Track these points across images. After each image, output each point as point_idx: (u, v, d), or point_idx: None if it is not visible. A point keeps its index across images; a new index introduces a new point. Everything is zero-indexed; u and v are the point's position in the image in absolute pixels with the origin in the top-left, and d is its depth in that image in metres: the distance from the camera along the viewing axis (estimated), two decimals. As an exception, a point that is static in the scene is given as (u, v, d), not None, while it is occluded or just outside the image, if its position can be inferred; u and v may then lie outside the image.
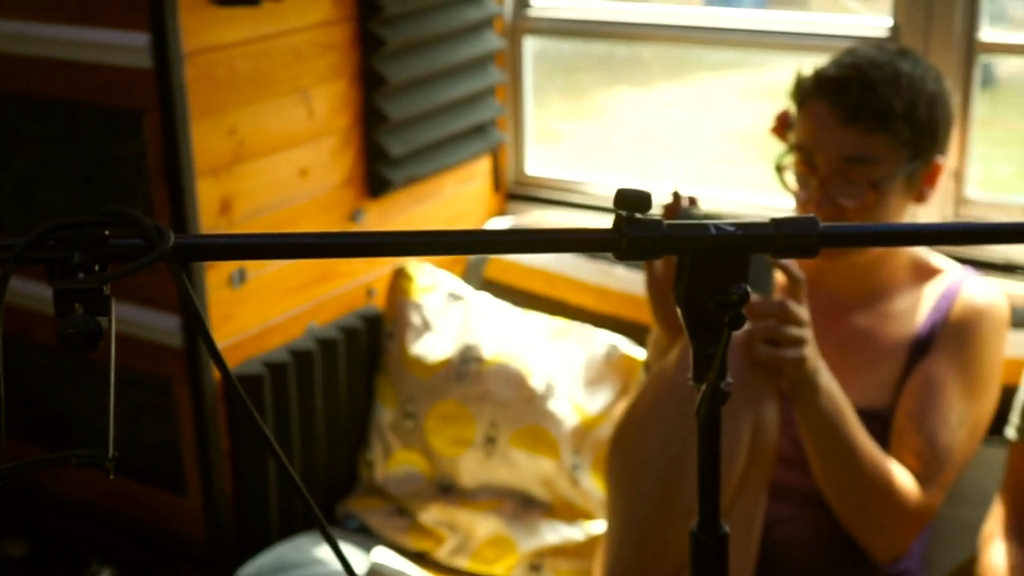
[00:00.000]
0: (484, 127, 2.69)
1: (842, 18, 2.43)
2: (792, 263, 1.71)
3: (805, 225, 1.00)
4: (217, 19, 2.06)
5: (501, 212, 2.82)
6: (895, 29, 2.30)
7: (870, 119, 1.82)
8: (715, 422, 1.01)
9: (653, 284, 1.83)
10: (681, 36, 2.64)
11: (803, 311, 1.72)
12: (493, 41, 2.65)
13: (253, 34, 2.12)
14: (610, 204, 2.67)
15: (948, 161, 2.24)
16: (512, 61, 2.75)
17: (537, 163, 2.86)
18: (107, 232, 0.91)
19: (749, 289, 0.98)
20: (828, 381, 1.77)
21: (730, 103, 6.95)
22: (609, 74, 7.10)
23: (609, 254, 0.97)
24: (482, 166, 2.76)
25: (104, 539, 2.42)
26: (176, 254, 0.92)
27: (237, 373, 2.22)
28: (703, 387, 1.00)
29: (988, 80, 6.36)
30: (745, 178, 5.04)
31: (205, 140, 2.09)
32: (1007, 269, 2.29)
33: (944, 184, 2.28)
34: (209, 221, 2.12)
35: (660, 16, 2.63)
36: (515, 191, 2.84)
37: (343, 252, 0.99)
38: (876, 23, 2.35)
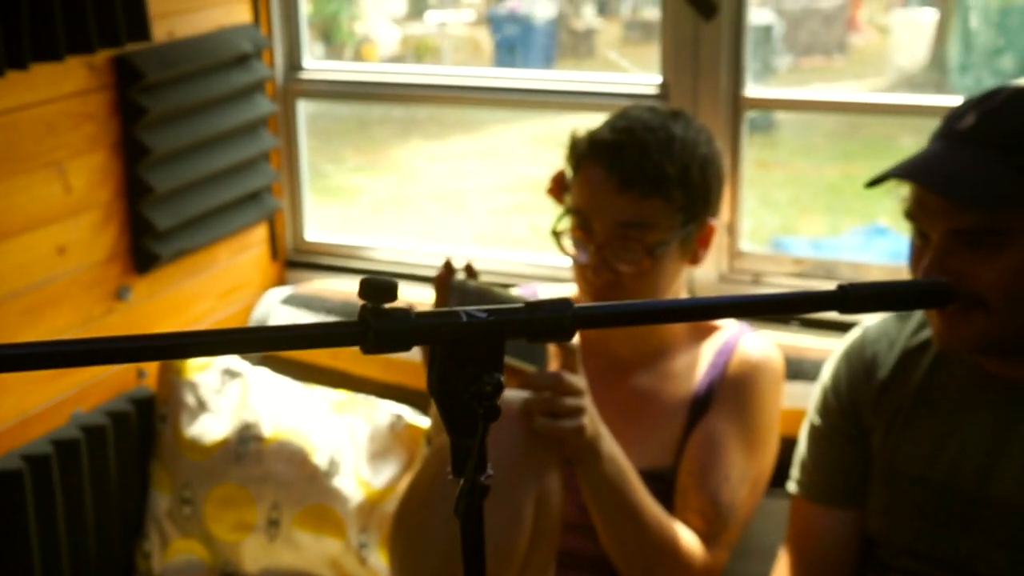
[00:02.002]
0: (259, 194, 2.61)
1: (614, 76, 2.44)
2: None
3: (559, 308, 0.97)
4: (-46, 92, 1.93)
5: (280, 281, 2.73)
6: (664, 86, 2.33)
7: (645, 185, 1.81)
8: (476, 518, 0.96)
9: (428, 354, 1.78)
10: (455, 97, 2.62)
11: (579, 380, 1.69)
12: (265, 106, 2.57)
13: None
14: (394, 269, 2.60)
15: (721, 216, 2.27)
16: (286, 125, 2.68)
17: (318, 228, 2.79)
18: None
19: (503, 379, 0.94)
20: (610, 447, 1.75)
21: (523, 152, 7.01)
22: (403, 127, 7.10)
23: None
24: (258, 234, 2.67)
25: None
26: None
27: (-7, 469, 2.07)
28: (462, 482, 0.95)
29: (767, 125, 6.61)
30: (538, 225, 5.08)
31: (-53, 221, 1.95)
32: (782, 320, 2.33)
33: (719, 237, 2.30)
34: (-45, 308, 1.98)
35: (432, 78, 2.60)
36: (294, 258, 2.76)
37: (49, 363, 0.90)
38: (646, 81, 2.37)
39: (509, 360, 1.70)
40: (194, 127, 2.36)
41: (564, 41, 8.58)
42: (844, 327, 1.94)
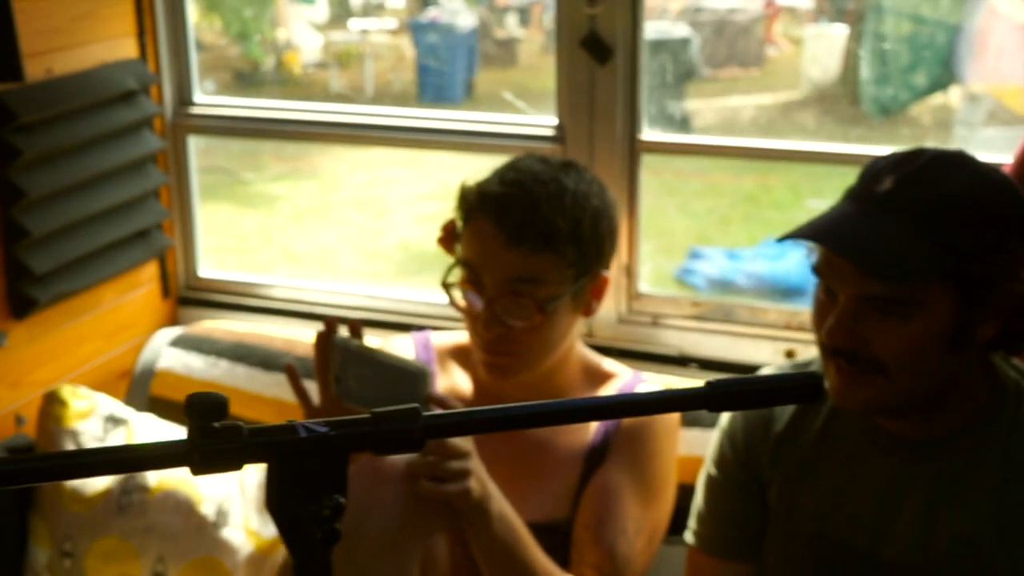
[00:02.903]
0: (147, 232, 2.53)
1: (508, 117, 2.40)
2: (446, 396, 1.65)
3: (406, 418, 0.92)
4: None
5: (172, 319, 2.65)
6: (560, 128, 2.29)
7: (535, 240, 1.77)
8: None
9: (308, 414, 1.73)
10: (348, 136, 2.56)
11: (464, 442, 1.64)
12: (153, 142, 2.49)
13: None
14: (290, 307, 2.52)
15: (620, 258, 2.24)
16: (176, 161, 2.60)
17: (211, 266, 2.71)
18: None
19: (342, 501, 0.89)
20: (500, 505, 1.71)
21: (446, 160, 6.95)
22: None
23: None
24: (148, 272, 2.59)
25: None
26: None
27: None
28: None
29: (686, 131, 6.62)
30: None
31: None
32: (680, 363, 2.30)
33: (616, 279, 2.27)
34: None
35: (325, 115, 2.54)
36: (187, 295, 2.68)
37: None
38: (542, 122, 2.33)
39: None
40: (73, 167, 2.28)
41: (487, 50, 8.53)
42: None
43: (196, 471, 0.87)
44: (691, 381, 2.18)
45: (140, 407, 2.42)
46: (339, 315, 2.32)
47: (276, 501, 0.89)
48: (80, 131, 2.28)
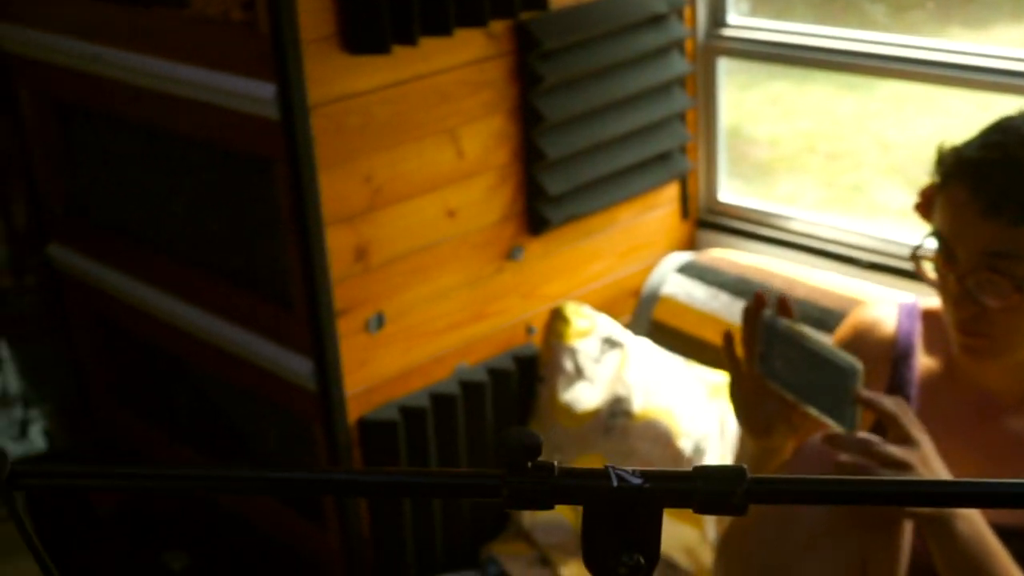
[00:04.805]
0: (668, 155, 2.53)
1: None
2: (875, 397, 1.50)
3: (729, 479, 0.85)
4: (347, 68, 2.00)
5: (688, 243, 2.66)
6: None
7: (1015, 210, 1.56)
8: None
9: (734, 383, 1.66)
10: (887, 69, 2.36)
11: (903, 453, 1.50)
12: (680, 66, 2.47)
13: (389, 80, 2.06)
14: (804, 242, 2.44)
15: None
16: (704, 85, 2.57)
17: (731, 192, 2.67)
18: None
19: (642, 560, 0.85)
20: (968, 527, 1.54)
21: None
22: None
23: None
24: (667, 195, 2.60)
25: (256, 558, 2.47)
26: (11, 484, 0.86)
27: (369, 419, 2.20)
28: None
29: None
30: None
31: (337, 188, 2.05)
32: None
33: None
34: (343, 269, 2.09)
35: (865, 46, 2.36)
36: (706, 219, 2.67)
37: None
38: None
39: (813, 411, 1.55)
40: (593, 92, 2.32)
41: None
42: None
43: (505, 506, 0.86)
44: None
45: (640, 330, 2.47)
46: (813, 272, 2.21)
47: (586, 543, 0.87)
48: (603, 56, 2.31)
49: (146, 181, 2.51)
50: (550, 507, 0.87)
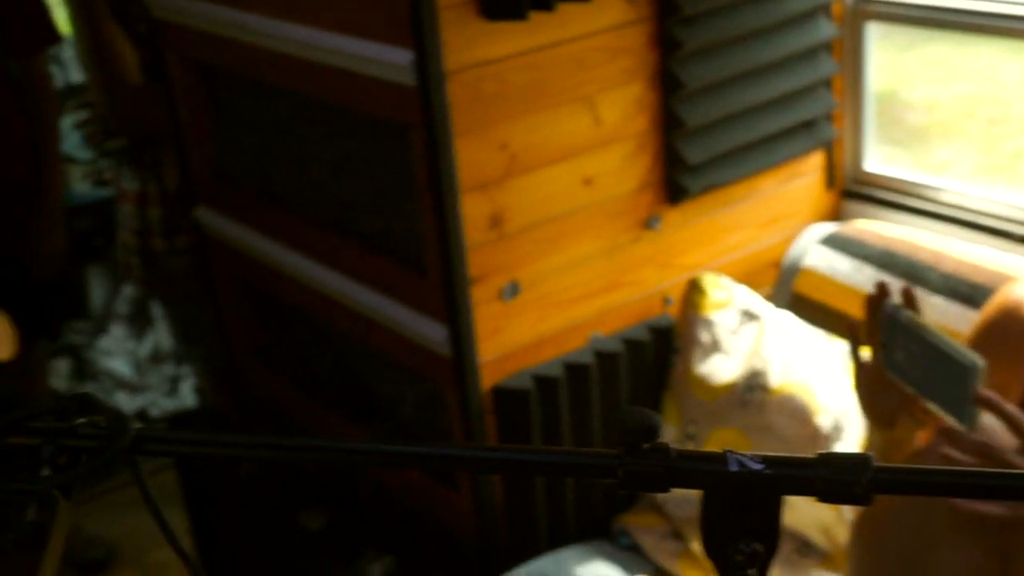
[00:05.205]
0: (813, 122, 2.46)
1: None
2: (994, 397, 1.42)
3: (853, 468, 0.82)
4: (484, 34, 1.99)
5: (832, 213, 2.58)
6: None
7: None
8: None
9: (858, 373, 1.61)
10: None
11: (1020, 462, 1.41)
12: (827, 30, 2.40)
13: (526, 46, 2.04)
14: (954, 214, 2.37)
15: None
16: (852, 50, 2.49)
17: (884, 158, 2.59)
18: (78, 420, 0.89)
19: (760, 548, 0.82)
20: None
21: None
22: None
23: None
24: (811, 163, 2.53)
25: (390, 520, 2.50)
26: (134, 450, 0.88)
27: (503, 387, 2.20)
28: None
29: None
30: None
31: (473, 156, 2.04)
32: None
33: None
34: (477, 236, 2.09)
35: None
36: (851, 189, 2.59)
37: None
38: None
39: (932, 406, 1.49)
40: (735, 58, 2.27)
41: None
42: None
43: (621, 487, 0.85)
44: None
45: (781, 302, 2.41)
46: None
47: (705, 528, 0.85)
48: (745, 21, 2.26)
49: (289, 146, 2.55)
50: (666, 490, 0.85)
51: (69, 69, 4.65)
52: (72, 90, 4.51)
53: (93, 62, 3.10)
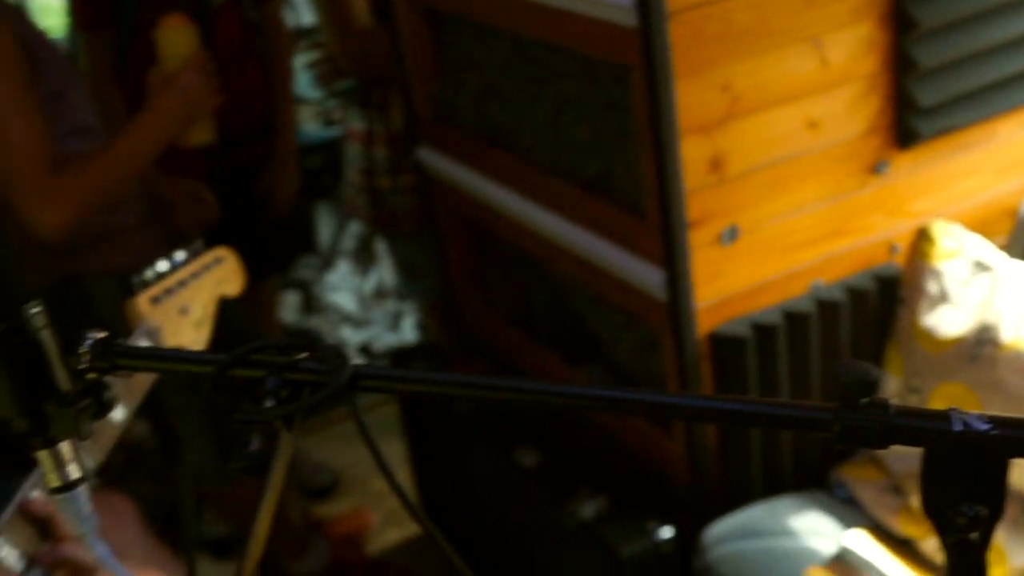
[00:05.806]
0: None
1: None
2: None
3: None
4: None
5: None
6: None
7: None
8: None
9: None
10: None
11: None
12: (1079, -37, 2.25)
13: (752, -15, 1.99)
14: None
15: None
16: (1106, -17, 2.33)
17: None
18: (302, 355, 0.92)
19: (984, 512, 0.79)
20: None
21: None
22: None
23: None
24: (1057, 106, 2.39)
25: (604, 460, 2.52)
26: (352, 386, 0.90)
27: (720, 333, 2.17)
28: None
29: None
30: None
31: (694, 98, 2.01)
32: None
33: None
34: (697, 179, 2.06)
35: None
36: (1100, 133, 2.44)
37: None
38: None
39: None
40: (974, -3, 2.16)
41: None
42: None
43: (836, 442, 0.82)
44: None
45: (1016, 253, 2.30)
46: None
47: (925, 488, 0.82)
48: (988, -44, 2.14)
49: (510, 87, 2.56)
50: (884, 447, 0.82)
51: (300, 11, 4.79)
52: (303, 32, 4.65)
53: (324, 5, 3.18)
